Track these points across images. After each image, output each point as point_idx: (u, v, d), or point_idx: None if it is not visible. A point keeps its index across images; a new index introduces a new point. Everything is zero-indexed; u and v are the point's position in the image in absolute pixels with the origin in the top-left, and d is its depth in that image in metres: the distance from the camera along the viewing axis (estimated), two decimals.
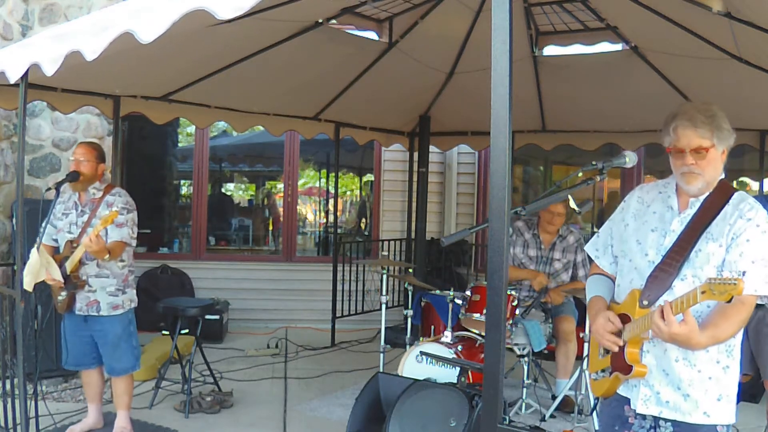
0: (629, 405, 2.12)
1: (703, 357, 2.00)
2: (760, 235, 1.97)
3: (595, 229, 3.68)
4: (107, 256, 3.57)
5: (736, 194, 2.07)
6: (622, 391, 2.14)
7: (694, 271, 2.01)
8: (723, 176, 2.13)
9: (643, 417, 2.09)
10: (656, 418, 2.06)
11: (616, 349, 2.06)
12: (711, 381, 2.01)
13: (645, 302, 2.02)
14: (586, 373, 4.11)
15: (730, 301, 1.74)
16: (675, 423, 2.03)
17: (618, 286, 2.22)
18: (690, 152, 2.03)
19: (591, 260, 2.42)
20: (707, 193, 2.08)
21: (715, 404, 2.01)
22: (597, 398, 2.38)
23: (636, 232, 2.18)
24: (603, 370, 2.14)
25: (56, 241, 3.85)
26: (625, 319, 2.07)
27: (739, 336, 2.04)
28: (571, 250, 4.78)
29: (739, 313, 1.93)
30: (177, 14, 2.07)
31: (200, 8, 2.02)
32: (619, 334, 2.07)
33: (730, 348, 2.03)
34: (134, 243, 3.83)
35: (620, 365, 2.05)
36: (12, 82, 2.96)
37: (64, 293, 3.70)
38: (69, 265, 3.64)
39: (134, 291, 3.94)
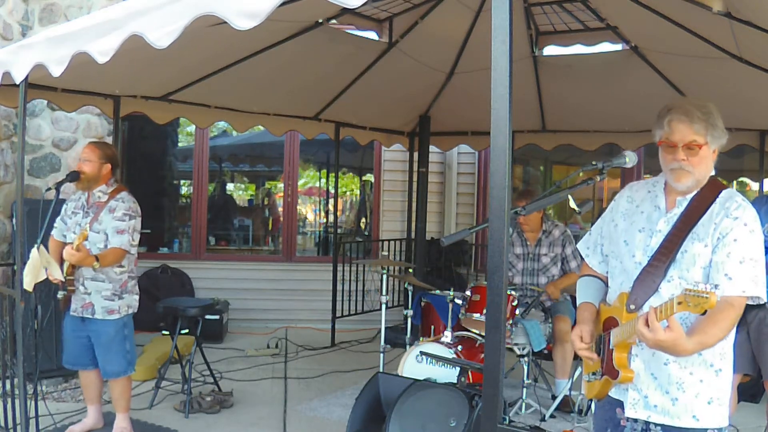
0: (621, 408, 2.10)
1: (695, 360, 1.97)
2: (748, 235, 1.93)
3: None
4: (96, 263, 3.54)
5: (724, 192, 2.03)
6: (614, 393, 2.12)
7: (681, 272, 1.98)
8: (713, 173, 2.09)
9: (635, 420, 2.06)
10: (647, 422, 2.04)
11: (592, 363, 2.06)
12: (702, 384, 1.98)
13: (632, 306, 2.00)
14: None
15: (704, 313, 1.72)
16: (665, 428, 2.00)
17: (610, 288, 2.21)
18: (682, 147, 1.99)
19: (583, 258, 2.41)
20: (695, 192, 2.05)
21: (705, 408, 1.97)
22: (591, 400, 2.38)
23: (625, 232, 2.16)
24: (594, 373, 2.14)
25: (65, 237, 3.84)
26: (613, 323, 2.06)
27: (731, 338, 2.01)
28: (558, 243, 4.78)
29: (728, 316, 1.90)
30: (189, 18, 2.07)
31: (210, 13, 2.01)
32: (598, 343, 2.06)
33: (723, 351, 2.00)
34: (133, 250, 3.78)
35: (609, 369, 2.04)
36: (17, 82, 2.96)
37: (61, 293, 3.70)
38: (64, 268, 3.65)
39: (135, 297, 3.87)
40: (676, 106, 2.04)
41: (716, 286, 1.65)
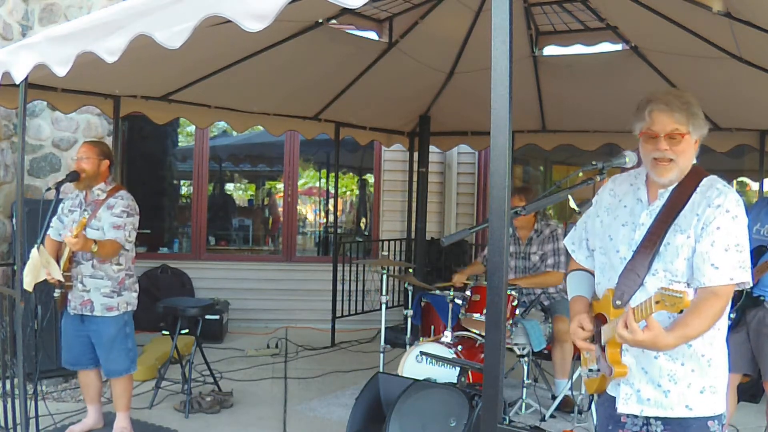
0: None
1: (685, 352, 1.97)
2: (731, 221, 1.93)
3: None
4: (94, 246, 3.51)
5: (704, 180, 2.02)
6: (610, 390, 2.12)
7: (665, 265, 1.97)
8: (694, 162, 2.09)
9: (635, 415, 2.06)
10: (647, 417, 2.04)
11: (592, 352, 2.05)
12: (694, 374, 1.97)
13: (618, 302, 1.99)
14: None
15: (681, 312, 1.73)
16: (664, 421, 2.00)
17: (598, 284, 2.19)
18: (664, 137, 1.99)
19: (570, 254, 2.40)
20: (676, 183, 2.04)
21: (698, 397, 1.97)
22: (592, 396, 2.39)
23: (608, 227, 2.15)
24: (591, 369, 2.14)
25: (61, 236, 3.84)
26: (602, 319, 2.06)
27: (721, 326, 2.01)
28: (547, 241, 4.79)
29: (712, 306, 1.89)
30: (198, 18, 2.06)
31: (219, 14, 2.01)
32: (594, 337, 2.06)
33: (713, 340, 1.99)
34: (129, 247, 3.78)
35: (604, 365, 2.04)
36: (17, 82, 2.95)
37: (57, 292, 3.70)
38: (61, 264, 3.64)
39: (133, 294, 3.89)
40: (655, 97, 2.05)
41: (688, 285, 1.66)
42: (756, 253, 3.48)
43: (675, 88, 2.07)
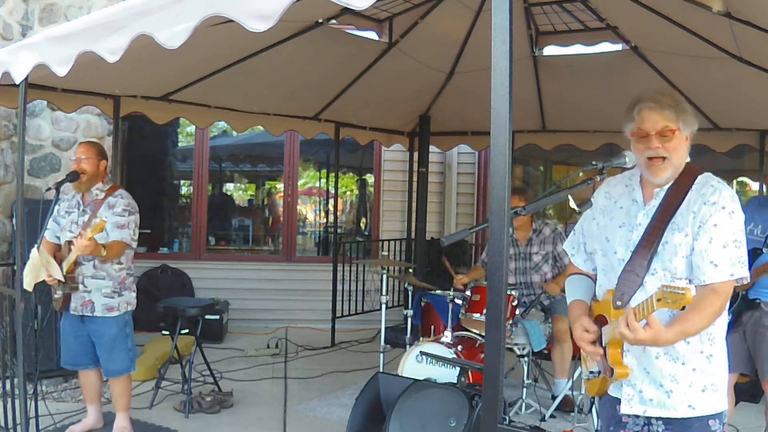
0: (620, 404, 2.10)
1: (684, 350, 1.97)
2: (727, 218, 1.93)
3: None
4: (103, 251, 3.54)
5: (699, 177, 2.03)
6: (612, 391, 2.12)
7: (664, 264, 1.98)
8: (688, 160, 2.10)
9: (636, 416, 2.06)
10: (649, 417, 2.04)
11: (598, 358, 2.06)
12: (696, 373, 1.98)
13: (618, 303, 2.00)
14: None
15: (683, 308, 1.74)
16: (666, 421, 2.00)
17: (600, 286, 2.20)
18: (655, 135, 2.00)
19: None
20: (671, 182, 2.05)
21: (700, 395, 1.98)
22: (593, 397, 2.39)
23: (604, 229, 2.16)
24: (592, 371, 2.14)
25: (58, 238, 3.85)
26: (603, 320, 2.06)
27: (721, 323, 2.01)
28: (549, 241, 4.78)
29: (712, 303, 1.90)
30: (199, 18, 2.06)
31: (222, 14, 2.01)
32: (598, 339, 2.06)
33: (712, 337, 2.00)
34: (134, 245, 3.80)
35: (605, 367, 2.04)
36: (17, 82, 2.95)
37: (59, 293, 3.70)
38: (65, 266, 3.64)
39: (132, 294, 3.90)
40: (644, 96, 2.06)
41: (690, 281, 1.67)
42: (751, 256, 3.48)
43: (662, 87, 2.07)
